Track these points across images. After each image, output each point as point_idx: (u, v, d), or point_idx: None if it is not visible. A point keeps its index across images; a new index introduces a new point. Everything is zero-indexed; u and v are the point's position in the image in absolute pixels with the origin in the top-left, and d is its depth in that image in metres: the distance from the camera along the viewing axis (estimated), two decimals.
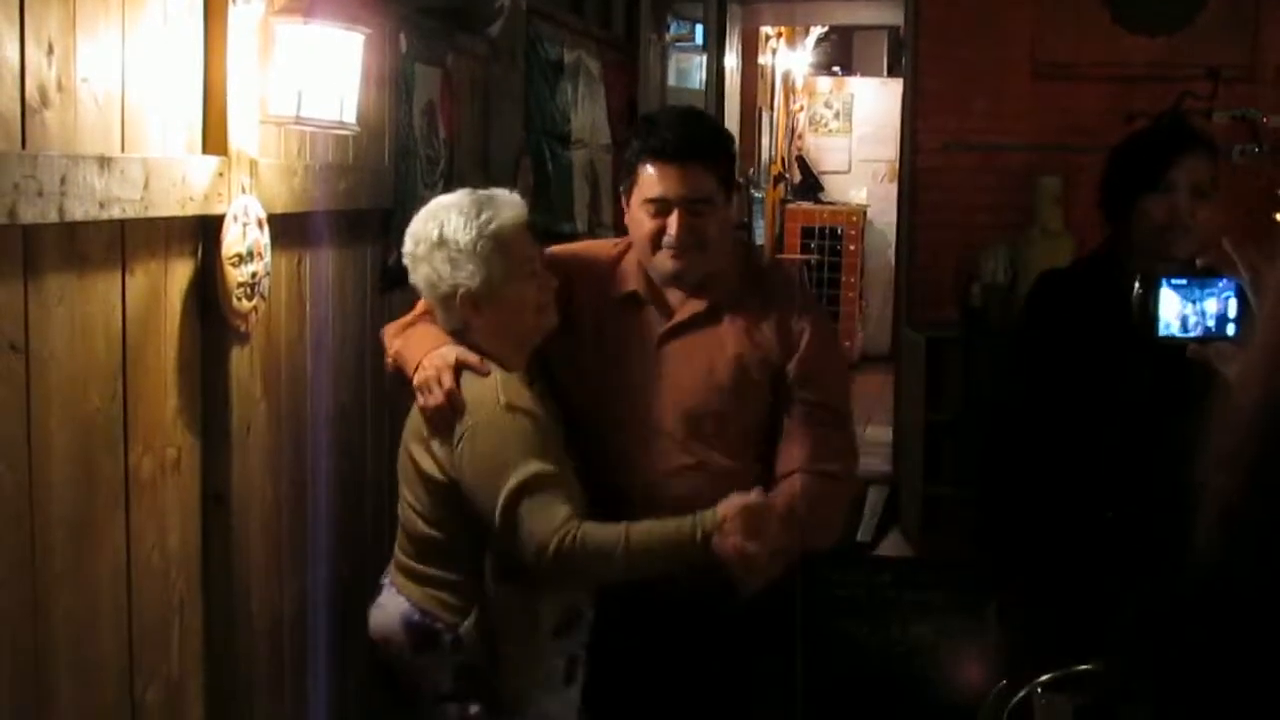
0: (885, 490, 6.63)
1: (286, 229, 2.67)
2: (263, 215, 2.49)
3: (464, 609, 2.54)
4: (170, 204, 2.22)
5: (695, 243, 2.60)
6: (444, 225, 2.51)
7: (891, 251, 9.22)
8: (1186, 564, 1.08)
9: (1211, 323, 2.04)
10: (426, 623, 2.57)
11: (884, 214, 10.41)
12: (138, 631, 2.26)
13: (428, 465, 2.53)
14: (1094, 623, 2.45)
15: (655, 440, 2.64)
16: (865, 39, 12.24)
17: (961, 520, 5.80)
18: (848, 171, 11.49)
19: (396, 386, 2.70)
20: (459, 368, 2.50)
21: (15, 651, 1.93)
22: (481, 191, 2.59)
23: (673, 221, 2.58)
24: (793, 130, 11.48)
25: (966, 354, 5.90)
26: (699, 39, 7.41)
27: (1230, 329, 2.02)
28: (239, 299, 2.44)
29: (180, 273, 2.36)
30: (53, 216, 1.89)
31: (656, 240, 2.61)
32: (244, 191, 2.44)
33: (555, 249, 2.83)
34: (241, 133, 2.43)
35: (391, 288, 3.24)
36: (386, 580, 2.67)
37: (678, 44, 7.08)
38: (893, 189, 8.86)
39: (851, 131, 11.50)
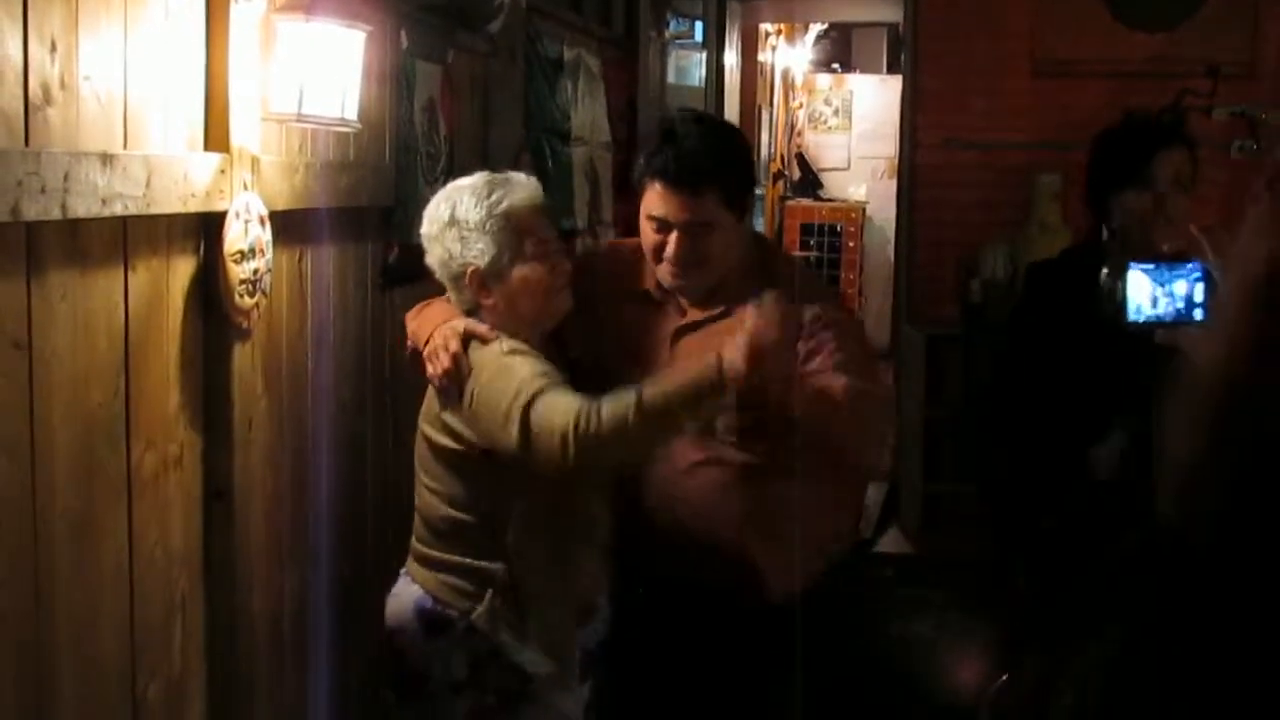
0: (885, 487, 6.64)
1: (288, 226, 2.68)
2: (264, 212, 2.50)
3: (476, 595, 2.55)
4: (172, 201, 2.22)
5: (695, 261, 2.59)
6: (456, 205, 2.54)
7: (891, 248, 9.22)
8: (1148, 527, 1.10)
9: (1180, 305, 2.06)
10: (438, 609, 2.59)
11: (883, 211, 10.40)
12: (140, 628, 2.26)
13: (444, 440, 2.54)
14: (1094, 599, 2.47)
15: None
16: (865, 36, 12.24)
17: (961, 517, 5.81)
18: (847, 169, 11.48)
19: (395, 386, 2.70)
20: (467, 337, 2.51)
21: (17, 649, 1.93)
22: (498, 174, 2.61)
23: (672, 241, 2.58)
24: (792, 127, 11.48)
25: (966, 351, 5.91)
26: (698, 36, 7.41)
27: (1198, 313, 2.03)
28: (241, 296, 2.44)
29: (182, 269, 2.36)
30: (55, 213, 1.89)
31: (658, 254, 2.61)
32: (246, 188, 2.44)
33: (593, 246, 2.83)
34: (243, 130, 2.44)
35: (392, 284, 3.25)
36: (404, 571, 2.68)
37: (677, 41, 7.08)
38: (892, 186, 8.86)
39: (851, 128, 11.50)
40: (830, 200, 11.14)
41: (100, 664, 2.16)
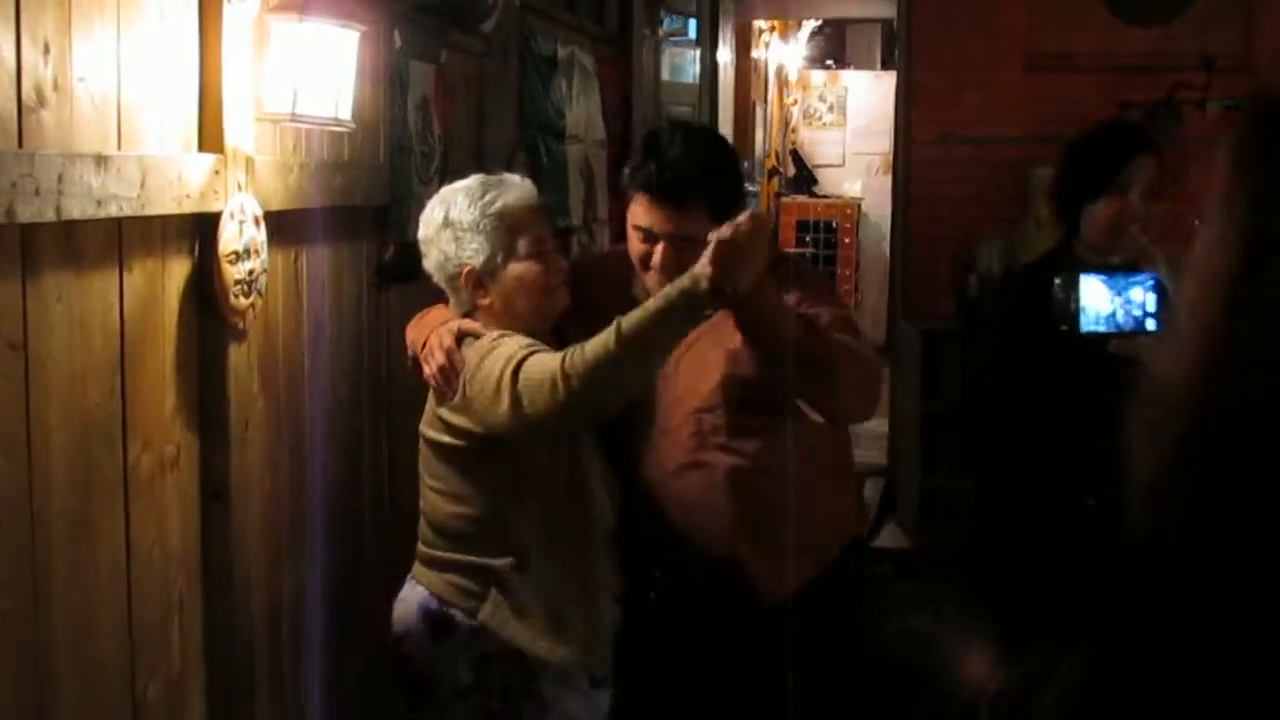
0: (882, 482, 6.64)
1: (283, 226, 2.68)
2: (259, 212, 2.50)
3: (481, 594, 2.55)
4: (167, 202, 2.22)
5: (681, 271, 2.59)
6: (450, 207, 2.55)
7: (886, 244, 9.21)
8: (1117, 539, 1.10)
9: (1135, 314, 2.06)
10: (443, 610, 2.58)
11: (878, 207, 10.41)
12: (138, 628, 2.26)
13: (444, 437, 2.55)
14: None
15: (661, 438, 2.65)
16: (858, 32, 12.25)
17: (958, 512, 5.81)
18: (842, 165, 11.50)
19: (394, 384, 2.71)
20: (460, 335, 2.53)
21: (17, 649, 1.93)
22: (492, 175, 2.61)
23: (658, 252, 2.57)
24: (787, 124, 11.50)
25: (963, 346, 5.91)
26: (692, 34, 7.41)
27: (1150, 323, 2.04)
28: (236, 296, 2.44)
29: (178, 270, 2.36)
30: (50, 215, 1.89)
31: (645, 263, 2.62)
32: (240, 189, 2.44)
33: (585, 254, 2.83)
34: (237, 130, 2.44)
35: (388, 283, 3.25)
36: (410, 576, 2.68)
37: (671, 39, 7.08)
38: (887, 182, 8.86)
39: (845, 125, 11.51)
40: (825, 197, 11.15)
41: (99, 664, 2.16)
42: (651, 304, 2.36)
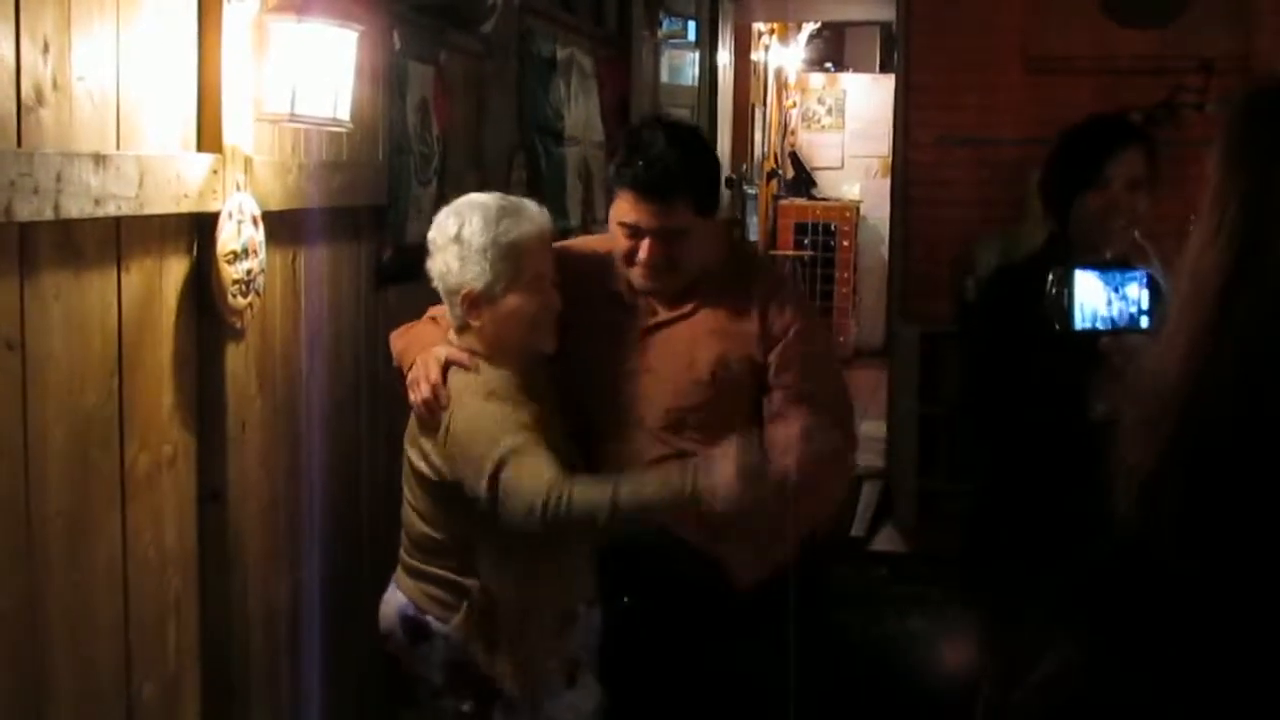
0: (880, 484, 6.64)
1: (281, 226, 2.68)
2: (257, 212, 2.50)
3: (454, 605, 2.59)
4: (165, 201, 2.22)
5: (667, 265, 2.63)
6: (464, 224, 2.55)
7: (885, 246, 9.21)
8: (1105, 537, 1.10)
9: (1127, 312, 2.05)
10: (419, 617, 2.63)
11: (877, 209, 10.41)
12: (135, 628, 2.26)
13: (421, 464, 2.58)
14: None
15: (637, 434, 2.68)
16: (857, 35, 12.24)
17: (956, 514, 5.81)
18: (840, 167, 11.50)
19: (393, 384, 2.71)
20: (448, 365, 2.53)
21: (13, 648, 1.93)
22: (513, 199, 2.62)
23: (644, 247, 2.61)
24: (785, 126, 11.49)
25: (961, 347, 5.90)
26: (692, 36, 7.41)
27: (1143, 321, 2.03)
28: (234, 296, 2.44)
29: (176, 270, 2.36)
30: (48, 214, 1.89)
31: (630, 258, 2.64)
32: (239, 188, 2.44)
33: (558, 244, 2.84)
34: (236, 130, 2.44)
35: (386, 284, 3.25)
36: (394, 579, 2.72)
37: (670, 41, 7.08)
38: (886, 184, 8.85)
39: (844, 127, 11.51)
40: (824, 199, 11.15)
41: (95, 664, 2.16)
42: (652, 492, 2.40)
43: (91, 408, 2.11)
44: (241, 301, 2.47)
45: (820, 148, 11.55)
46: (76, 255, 2.05)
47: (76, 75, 2.00)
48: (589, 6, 5.59)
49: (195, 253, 2.41)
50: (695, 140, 2.75)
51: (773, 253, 10.55)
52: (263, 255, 2.53)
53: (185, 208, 2.29)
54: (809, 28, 11.31)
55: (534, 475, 2.40)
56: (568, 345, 2.72)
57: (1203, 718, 1.04)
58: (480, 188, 2.88)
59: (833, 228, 10.69)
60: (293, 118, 2.55)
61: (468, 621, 2.57)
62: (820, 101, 11.61)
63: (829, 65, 11.99)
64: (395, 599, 2.67)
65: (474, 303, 2.56)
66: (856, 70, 11.92)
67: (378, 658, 2.79)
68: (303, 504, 2.88)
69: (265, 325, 2.68)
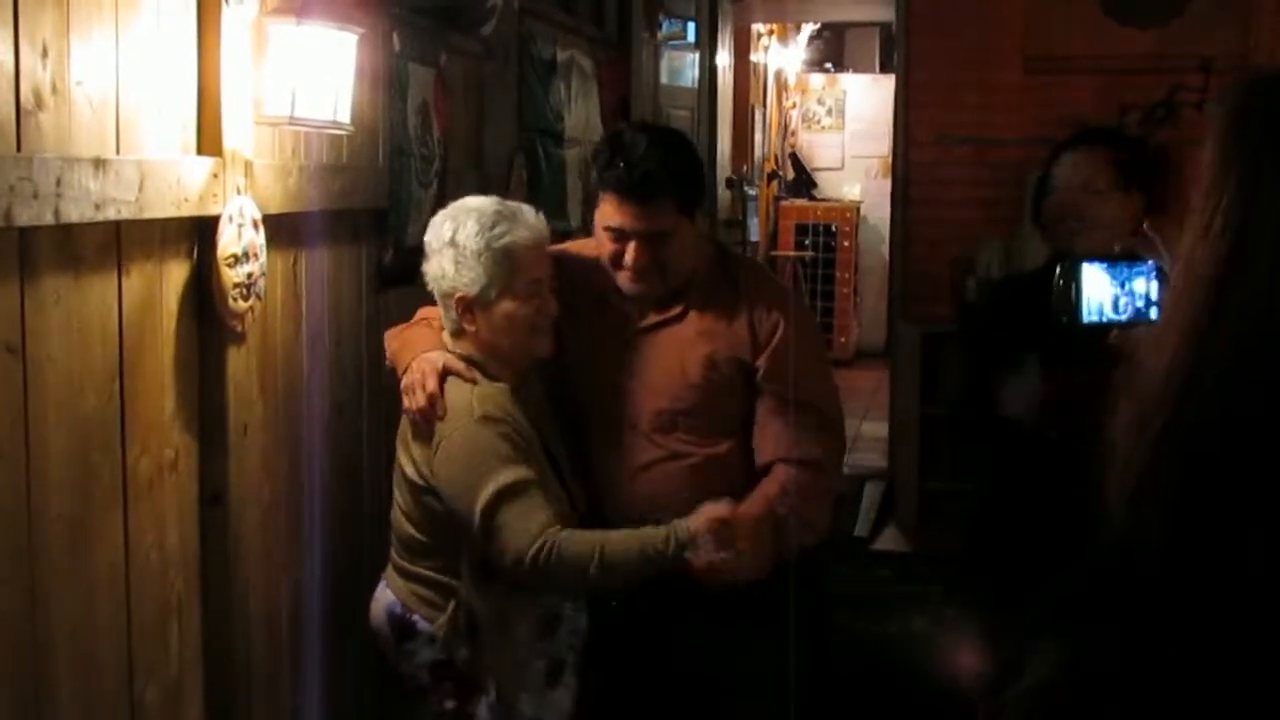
0: (882, 485, 6.63)
1: (282, 229, 2.68)
2: (258, 216, 2.50)
3: (440, 605, 2.62)
4: (165, 205, 2.22)
5: (653, 268, 2.64)
6: (459, 228, 2.55)
7: (886, 247, 9.21)
8: (1099, 536, 1.10)
9: (1137, 305, 2.05)
10: (406, 616, 2.66)
11: (878, 209, 10.40)
12: (136, 631, 2.26)
13: (409, 469, 2.60)
14: None
15: (629, 436, 2.70)
16: (857, 35, 12.24)
17: (958, 515, 5.80)
18: (841, 168, 11.49)
19: (394, 387, 2.71)
20: (445, 373, 2.54)
21: (15, 651, 1.93)
22: (510, 204, 2.63)
23: (630, 250, 2.62)
24: (786, 127, 11.49)
25: (962, 350, 5.90)
26: (691, 37, 7.41)
27: (1152, 313, 2.03)
28: (235, 299, 2.44)
29: (176, 274, 2.36)
30: (48, 218, 1.89)
31: (616, 262, 2.65)
32: (239, 192, 2.44)
33: (558, 249, 2.85)
34: (236, 133, 2.44)
35: (387, 287, 3.25)
36: (383, 577, 2.74)
37: (670, 42, 7.08)
38: (886, 185, 8.85)
39: (844, 128, 11.51)
40: (825, 200, 11.15)
41: (97, 666, 2.16)
42: (639, 551, 2.48)
43: (92, 411, 2.11)
44: (242, 305, 2.47)
45: (820, 148, 11.55)
46: (77, 260, 2.05)
47: (76, 79, 2.00)
48: (589, 8, 5.59)
49: (196, 256, 2.41)
50: (678, 142, 2.76)
51: (774, 254, 10.56)
52: (263, 259, 2.53)
53: (185, 211, 2.29)
54: (809, 28, 11.31)
55: (523, 526, 2.45)
56: (562, 347, 2.73)
57: (1193, 715, 1.04)
58: (481, 189, 2.89)
59: (833, 228, 10.69)
60: (293, 121, 2.55)
61: (453, 622, 2.60)
62: (820, 102, 11.60)
63: (829, 66, 11.99)
64: (384, 597, 2.70)
65: (468, 307, 2.57)
66: (856, 71, 11.92)
67: (378, 658, 2.80)
68: (304, 506, 2.88)
69: (266, 328, 2.68)
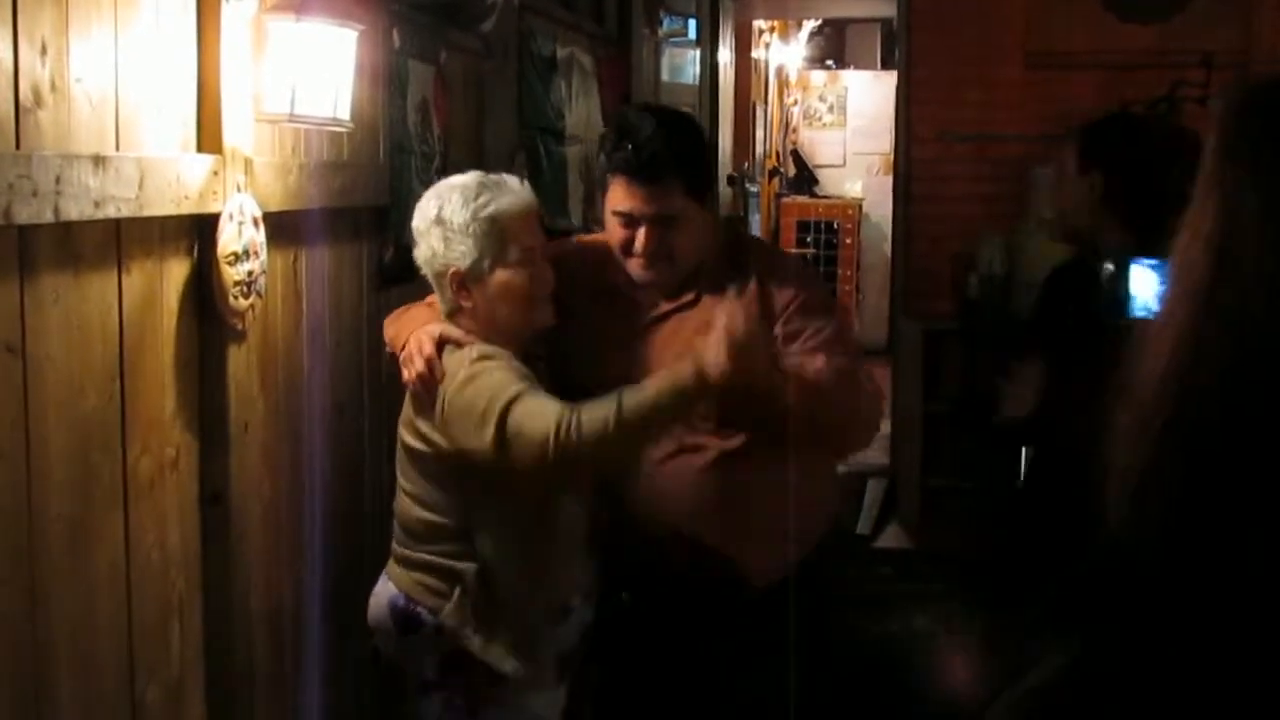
0: (884, 482, 6.63)
1: (282, 227, 2.67)
2: (258, 213, 2.49)
3: (445, 594, 2.56)
4: (165, 203, 2.21)
5: (664, 254, 2.61)
6: (444, 204, 2.54)
7: (887, 244, 9.21)
8: (1099, 537, 1.10)
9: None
10: (409, 607, 2.60)
11: (879, 206, 10.41)
12: (138, 631, 2.26)
13: (416, 444, 2.56)
14: None
15: None
16: (858, 32, 12.25)
17: (960, 511, 5.81)
18: (842, 165, 11.49)
19: (395, 385, 2.70)
20: (441, 342, 2.52)
21: (15, 652, 1.93)
22: (493, 176, 2.60)
23: (640, 235, 2.60)
24: (787, 124, 11.49)
25: (964, 345, 5.90)
26: (692, 34, 7.41)
27: None
28: (235, 297, 2.44)
29: (176, 272, 2.36)
30: (48, 216, 1.88)
31: (626, 249, 2.63)
32: (239, 189, 2.43)
33: (554, 242, 2.83)
34: (236, 131, 2.43)
35: (388, 284, 3.24)
36: (384, 573, 2.70)
37: (671, 39, 7.07)
38: (888, 181, 8.86)
39: (846, 125, 11.51)
40: (826, 197, 11.15)
41: (98, 666, 2.15)
42: (655, 390, 2.37)
43: (92, 410, 2.11)
44: (243, 303, 2.46)
45: (822, 145, 11.55)
46: (76, 258, 2.04)
47: (75, 77, 2.00)
48: (589, 5, 5.59)
49: (196, 254, 2.40)
50: (685, 123, 2.74)
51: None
52: (264, 256, 2.52)
53: (186, 209, 2.29)
54: (810, 25, 11.32)
55: (539, 413, 2.36)
56: (570, 343, 2.71)
57: (1194, 715, 1.03)
58: None
59: (835, 225, 10.69)
60: (293, 118, 2.54)
61: (460, 608, 2.54)
62: (821, 99, 11.60)
63: (830, 62, 11.99)
64: (385, 591, 2.65)
65: (462, 282, 2.54)
66: (858, 67, 11.93)
67: (374, 658, 2.78)
68: (305, 505, 2.87)
69: (267, 326, 2.67)
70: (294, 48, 2.50)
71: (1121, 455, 1.09)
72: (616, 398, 2.35)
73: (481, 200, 2.52)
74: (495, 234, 2.51)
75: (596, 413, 2.35)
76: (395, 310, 2.78)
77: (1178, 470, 1.05)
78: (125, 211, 2.08)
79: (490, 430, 2.38)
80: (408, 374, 2.53)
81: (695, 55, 7.41)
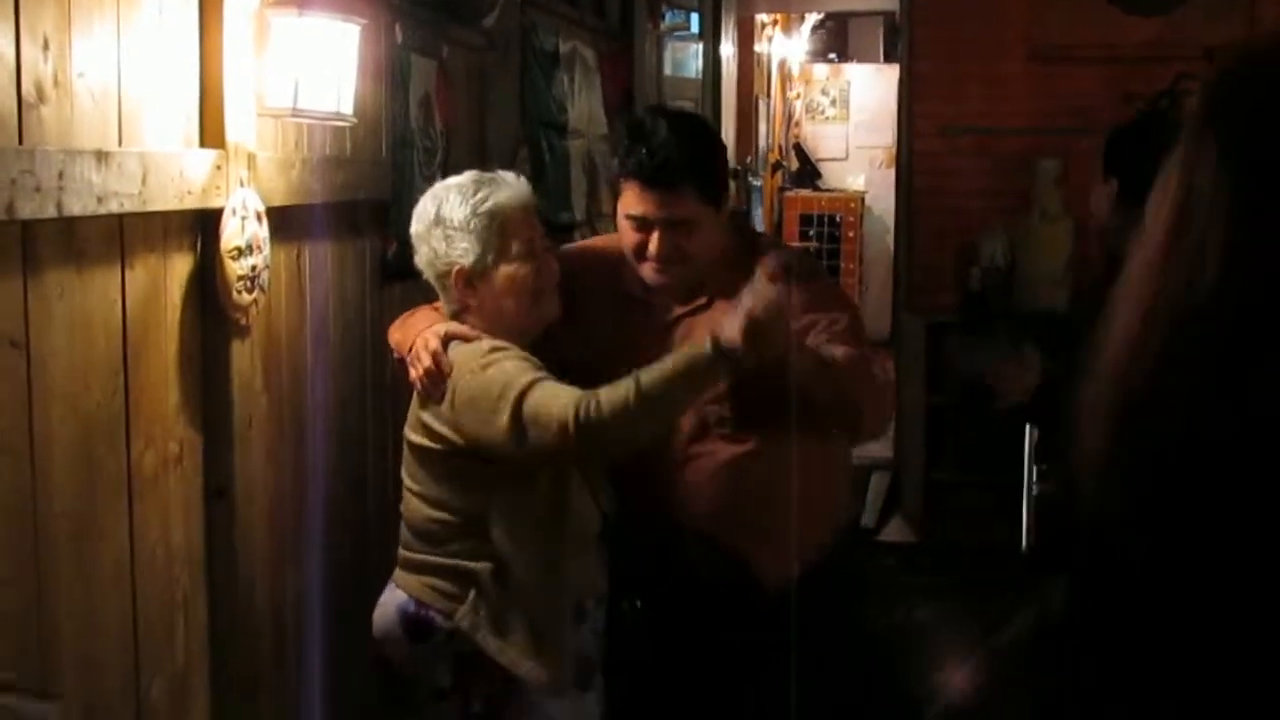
0: (888, 475, 6.63)
1: (285, 222, 2.67)
2: (261, 208, 2.49)
3: (459, 596, 2.53)
4: (168, 198, 2.21)
5: (678, 258, 2.59)
6: (442, 204, 2.54)
7: (890, 237, 9.21)
8: (1068, 521, 1.11)
9: None
10: (421, 613, 2.56)
11: (882, 200, 10.39)
12: (142, 626, 2.26)
13: (424, 441, 2.54)
14: None
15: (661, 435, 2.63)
16: (861, 25, 12.24)
17: (963, 504, 5.81)
18: (845, 158, 11.47)
19: (398, 378, 2.70)
20: (448, 339, 2.51)
21: (20, 647, 1.93)
22: (486, 173, 2.60)
23: (654, 239, 2.58)
24: (790, 118, 11.48)
25: (966, 338, 5.90)
26: (695, 28, 7.40)
27: None
28: (239, 292, 2.44)
29: (180, 267, 2.36)
30: (51, 212, 1.88)
31: (639, 253, 2.61)
32: (242, 184, 2.43)
33: (565, 247, 2.82)
34: (239, 126, 2.43)
35: (391, 279, 3.24)
36: (391, 581, 2.67)
37: (674, 33, 7.07)
38: (890, 175, 8.85)
39: (848, 118, 11.49)
40: (829, 190, 11.14)
41: (103, 661, 2.16)
42: (673, 365, 2.36)
43: (96, 406, 2.11)
44: (246, 298, 2.46)
45: (825, 139, 11.53)
46: (80, 253, 2.04)
47: (77, 72, 2.00)
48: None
49: (199, 249, 2.40)
50: (699, 127, 2.73)
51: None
52: (267, 251, 2.52)
53: (189, 204, 2.29)
54: (812, 19, 11.30)
55: (556, 397, 2.36)
56: (582, 347, 2.69)
57: (1159, 698, 1.04)
58: None
59: (838, 219, 10.68)
60: (295, 113, 2.54)
61: (475, 609, 2.51)
62: (824, 93, 11.58)
63: (833, 56, 11.98)
64: (394, 598, 2.61)
65: (467, 280, 2.53)
66: (860, 61, 11.91)
67: (373, 666, 2.75)
68: (309, 500, 2.87)
69: (270, 321, 2.67)
70: (297, 42, 2.50)
71: (1084, 433, 1.10)
72: (634, 376, 2.34)
73: (479, 196, 2.52)
74: (496, 228, 2.51)
75: (615, 392, 2.34)
76: (400, 316, 2.76)
77: (1133, 447, 1.06)
78: (128, 207, 2.09)
79: (505, 416, 2.37)
80: (415, 371, 2.52)
81: (698, 49, 7.40)
